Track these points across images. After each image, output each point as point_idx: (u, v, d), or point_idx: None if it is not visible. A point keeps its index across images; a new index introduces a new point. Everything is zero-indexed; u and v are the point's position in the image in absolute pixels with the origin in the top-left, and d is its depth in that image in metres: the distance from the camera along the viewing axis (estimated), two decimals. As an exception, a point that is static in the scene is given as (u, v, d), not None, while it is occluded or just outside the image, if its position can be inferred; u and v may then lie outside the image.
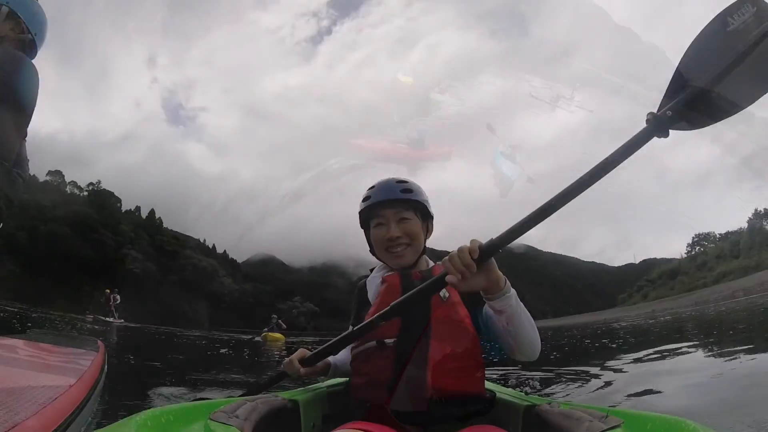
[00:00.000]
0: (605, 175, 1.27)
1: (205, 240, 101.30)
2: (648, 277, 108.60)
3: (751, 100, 1.20)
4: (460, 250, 1.34)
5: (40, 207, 63.54)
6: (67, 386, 2.17)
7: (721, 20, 1.20)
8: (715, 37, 1.21)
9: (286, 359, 1.71)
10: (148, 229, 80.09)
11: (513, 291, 1.45)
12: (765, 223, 79.84)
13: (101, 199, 76.10)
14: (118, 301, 30.55)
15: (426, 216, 1.80)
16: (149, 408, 1.07)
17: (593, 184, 1.29)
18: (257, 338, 21.63)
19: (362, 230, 1.89)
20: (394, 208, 1.74)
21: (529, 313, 1.51)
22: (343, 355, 1.80)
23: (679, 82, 1.28)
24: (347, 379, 1.82)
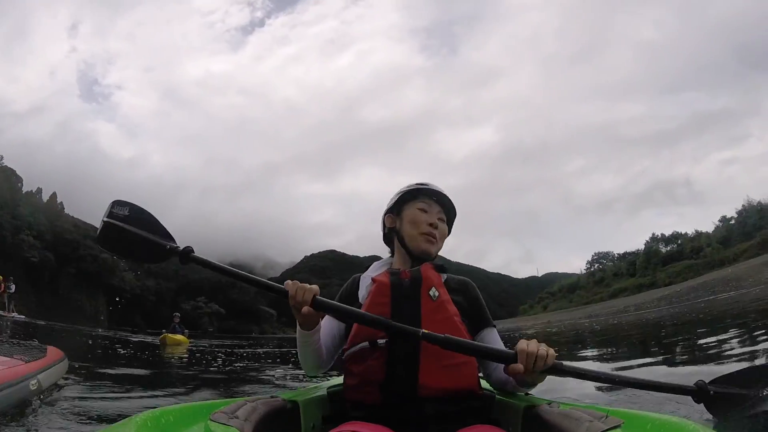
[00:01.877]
0: (638, 388, 1.69)
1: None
2: (549, 290, 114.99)
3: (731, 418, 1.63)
4: (540, 356, 1.43)
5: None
6: None
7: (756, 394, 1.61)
8: (754, 377, 1.64)
9: (298, 283, 1.61)
10: (48, 214, 74.99)
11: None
12: (660, 246, 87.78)
13: (1, 176, 70.73)
14: (12, 290, 26.55)
15: (449, 229, 1.93)
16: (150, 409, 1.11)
17: (639, 388, 1.64)
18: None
19: (386, 214, 1.94)
20: (439, 206, 1.86)
21: None
22: (327, 335, 1.78)
23: (722, 380, 1.67)
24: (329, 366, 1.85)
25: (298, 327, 1.64)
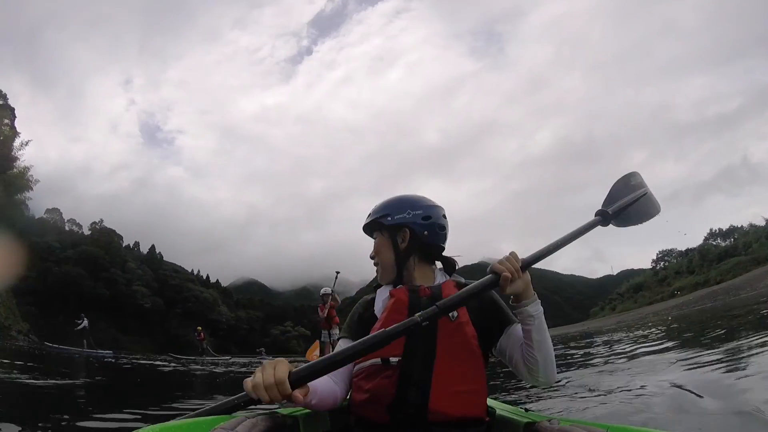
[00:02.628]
0: (563, 247, 1.68)
1: (199, 271, 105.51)
2: (618, 291, 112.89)
3: (639, 222, 1.99)
4: (512, 255, 1.52)
5: (50, 248, 68.36)
6: None
7: (627, 177, 2.05)
8: (624, 186, 2.02)
9: (258, 380, 1.23)
10: (151, 264, 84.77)
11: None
12: (716, 242, 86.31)
13: (106, 237, 79.84)
14: (81, 326, 27.43)
15: (393, 229, 1.77)
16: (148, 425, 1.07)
17: (557, 251, 1.68)
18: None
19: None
20: (371, 235, 1.87)
21: None
22: (323, 381, 1.48)
23: (609, 200, 1.94)
24: (348, 395, 1.69)
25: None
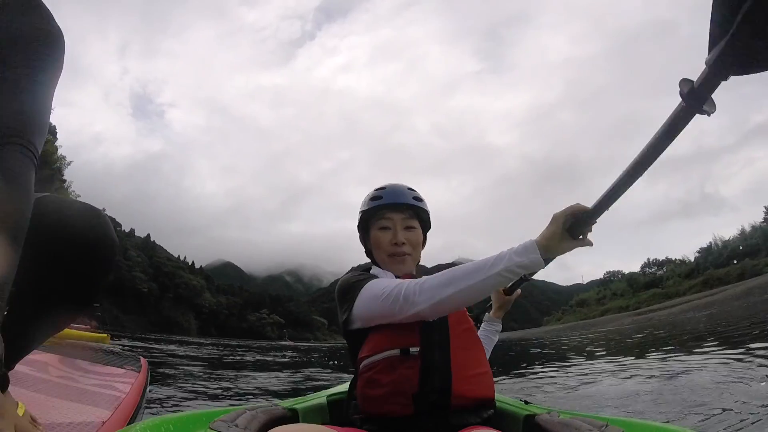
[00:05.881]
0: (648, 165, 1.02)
1: (185, 257, 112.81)
2: (570, 303, 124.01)
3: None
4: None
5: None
6: (99, 423, 1.74)
7: None
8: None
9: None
10: (147, 251, 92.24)
11: None
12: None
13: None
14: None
15: (426, 227, 1.72)
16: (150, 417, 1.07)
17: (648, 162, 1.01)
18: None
19: (358, 232, 1.75)
20: (402, 214, 1.65)
21: None
22: None
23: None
24: (346, 389, 1.69)
25: (531, 251, 1.25)
